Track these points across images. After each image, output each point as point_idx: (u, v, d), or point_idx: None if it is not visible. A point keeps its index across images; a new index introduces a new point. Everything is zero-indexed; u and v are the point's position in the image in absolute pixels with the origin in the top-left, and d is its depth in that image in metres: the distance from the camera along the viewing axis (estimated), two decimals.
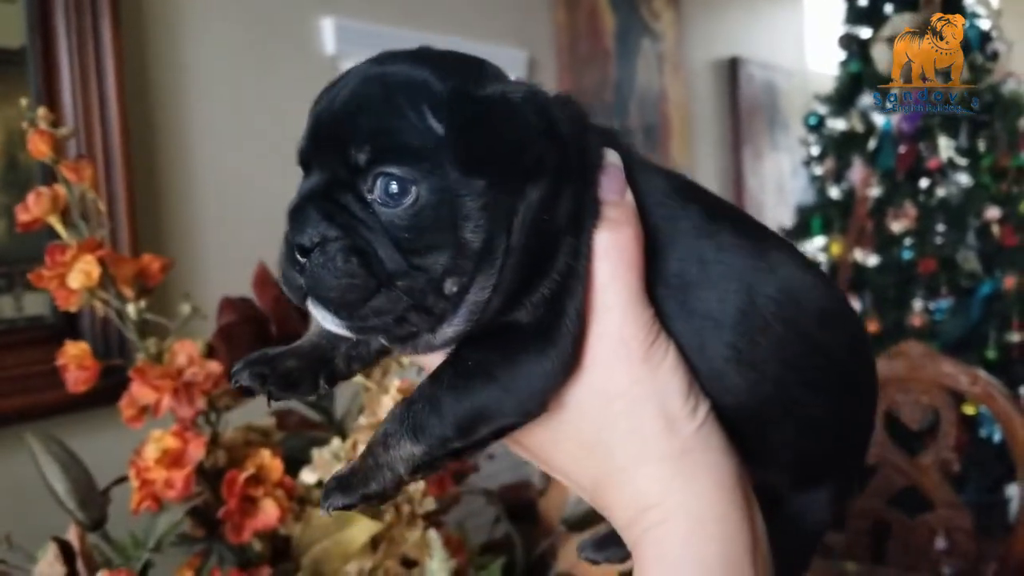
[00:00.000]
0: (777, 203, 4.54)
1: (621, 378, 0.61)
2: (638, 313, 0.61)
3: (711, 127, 4.19)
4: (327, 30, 2.29)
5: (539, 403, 0.60)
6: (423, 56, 0.61)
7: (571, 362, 0.60)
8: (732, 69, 4.28)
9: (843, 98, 3.70)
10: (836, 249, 3.67)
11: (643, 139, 3.62)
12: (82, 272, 1.04)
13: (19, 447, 1.12)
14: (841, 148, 3.69)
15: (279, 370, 0.66)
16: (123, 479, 1.12)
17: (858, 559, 2.25)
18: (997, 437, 3.09)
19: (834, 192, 3.74)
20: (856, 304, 3.53)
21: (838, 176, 3.72)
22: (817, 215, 3.75)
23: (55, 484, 1.08)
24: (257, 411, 1.09)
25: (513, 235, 0.58)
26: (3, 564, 1.04)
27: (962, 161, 3.42)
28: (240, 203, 2.00)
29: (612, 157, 0.63)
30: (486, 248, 0.57)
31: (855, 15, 3.69)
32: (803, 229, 3.81)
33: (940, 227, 3.42)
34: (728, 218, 0.66)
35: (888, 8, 3.54)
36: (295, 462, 1.16)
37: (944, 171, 3.45)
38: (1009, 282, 3.36)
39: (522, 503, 1.45)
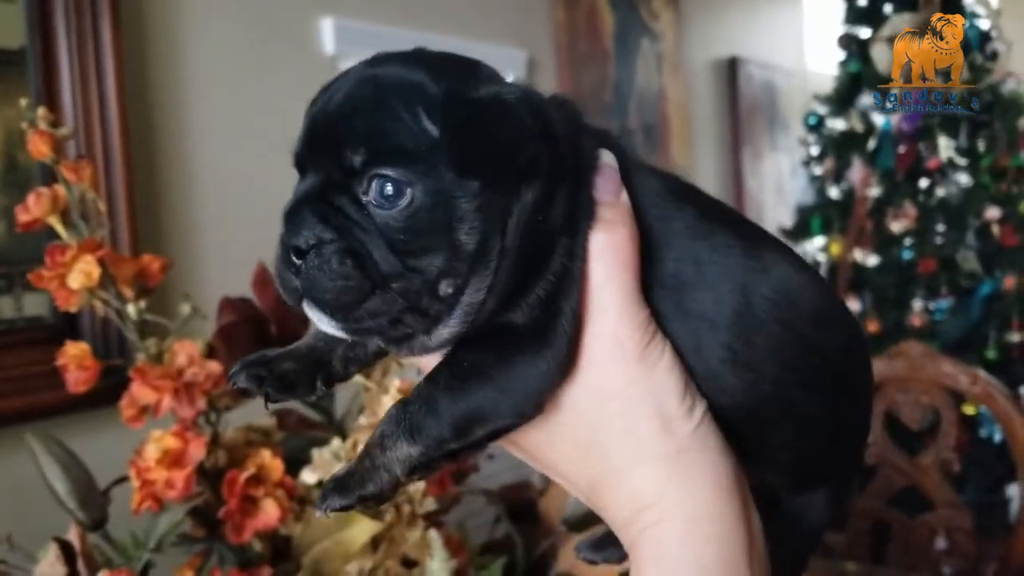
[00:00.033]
0: (777, 203, 4.54)
1: (617, 379, 0.61)
2: (634, 313, 0.61)
3: (710, 127, 4.19)
4: (327, 30, 2.29)
5: (535, 404, 0.60)
6: (418, 58, 0.61)
7: (567, 363, 0.60)
8: (731, 69, 4.28)
9: (843, 98, 3.71)
10: (836, 249, 3.67)
11: (642, 139, 3.62)
12: (82, 272, 1.04)
13: (19, 447, 1.12)
14: (841, 148, 3.69)
15: (276, 372, 0.67)
16: (124, 479, 1.12)
17: (858, 559, 2.25)
18: (997, 437, 3.09)
19: (834, 192, 3.74)
20: (856, 304, 3.53)
21: (838, 176, 3.72)
22: (817, 215, 3.76)
23: (56, 484, 1.08)
24: (257, 411, 1.09)
25: (508, 236, 0.58)
26: (4, 564, 1.04)
27: (962, 161, 3.42)
28: (240, 203, 2.00)
29: (607, 158, 0.63)
30: (481, 250, 0.57)
31: (854, 15, 3.69)
32: (803, 229, 3.81)
33: (940, 227, 3.43)
34: (723, 219, 0.66)
35: (887, 8, 3.54)
36: (295, 462, 1.16)
37: (944, 171, 3.45)
38: (1009, 282, 3.36)
39: (522, 503, 1.45)
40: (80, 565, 1.03)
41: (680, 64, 3.89)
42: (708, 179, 4.10)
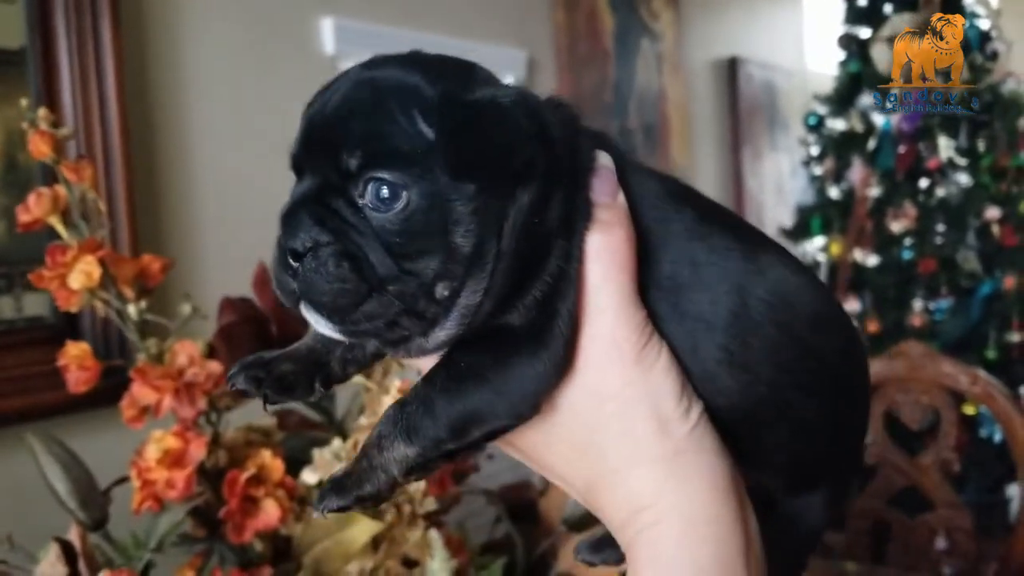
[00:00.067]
0: (777, 203, 4.54)
1: (613, 380, 0.61)
2: (630, 315, 0.61)
3: (710, 127, 4.19)
4: (327, 30, 2.29)
5: (531, 405, 0.60)
6: (414, 61, 0.61)
7: (563, 364, 0.60)
8: (731, 69, 4.28)
9: (842, 98, 3.71)
10: (836, 249, 3.67)
11: (642, 139, 3.62)
12: (83, 272, 1.04)
13: (20, 447, 1.12)
14: (841, 148, 3.69)
15: (275, 373, 0.67)
16: (124, 479, 1.12)
17: (858, 559, 2.25)
18: (997, 437, 3.09)
19: (834, 192, 3.74)
20: (856, 304, 3.53)
21: (838, 176, 3.72)
22: (817, 215, 3.76)
23: (56, 484, 1.08)
24: (258, 411, 1.09)
25: (504, 239, 0.58)
26: (5, 564, 1.04)
27: (962, 161, 3.42)
28: (240, 203, 2.00)
29: (604, 159, 0.63)
30: (477, 252, 0.58)
31: (854, 15, 3.69)
32: (803, 229, 3.81)
33: (940, 227, 3.43)
34: (720, 221, 0.66)
35: (887, 8, 3.54)
36: (296, 462, 1.16)
37: (944, 171, 3.46)
38: (1009, 282, 3.36)
39: (523, 503, 1.45)
40: (81, 565, 1.03)
41: (680, 64, 3.89)
42: (708, 179, 4.10)
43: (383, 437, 0.60)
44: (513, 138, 0.57)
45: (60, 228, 1.08)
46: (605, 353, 0.61)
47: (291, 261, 0.58)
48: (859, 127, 3.62)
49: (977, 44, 3.32)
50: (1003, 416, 2.16)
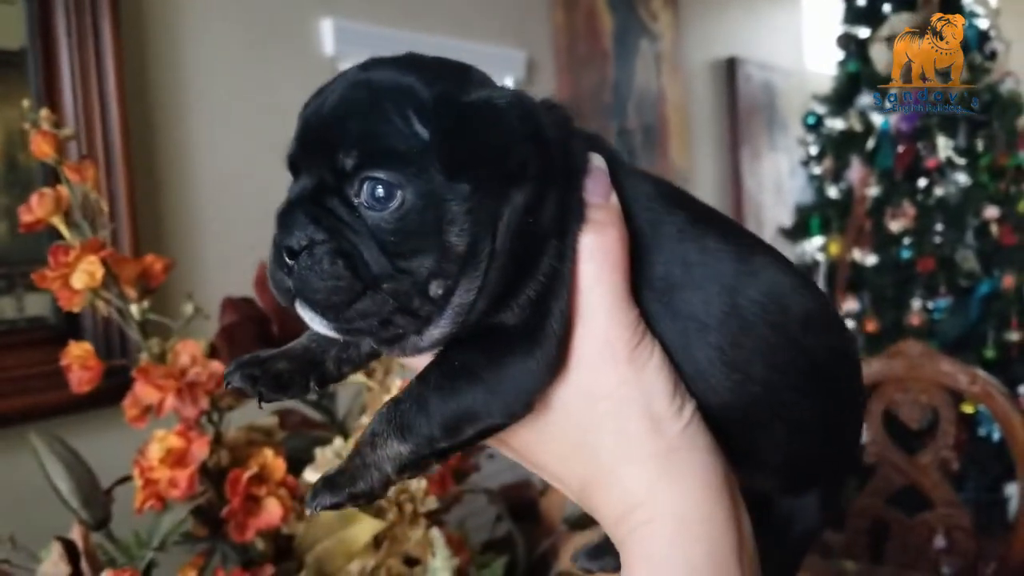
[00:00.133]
0: (776, 203, 4.55)
1: (606, 379, 0.61)
2: (623, 314, 0.61)
3: (709, 127, 4.19)
4: (327, 31, 2.29)
5: (524, 404, 0.61)
6: (410, 62, 0.62)
7: (556, 363, 0.61)
8: (730, 69, 4.28)
9: (841, 98, 3.71)
10: (835, 249, 3.67)
11: (641, 139, 3.63)
12: (85, 273, 1.04)
13: (22, 447, 1.12)
14: (839, 148, 3.70)
15: (270, 372, 0.67)
16: (127, 479, 1.12)
17: (857, 558, 2.26)
18: (996, 436, 3.10)
19: (832, 192, 3.74)
20: (855, 304, 3.54)
21: (836, 176, 3.72)
22: (816, 215, 3.76)
23: (59, 483, 1.09)
24: (260, 411, 1.10)
25: (498, 238, 0.59)
26: (7, 564, 1.04)
27: (960, 160, 3.43)
28: (241, 203, 2.00)
29: (597, 161, 0.63)
30: (471, 251, 0.58)
31: (853, 15, 3.70)
32: (802, 229, 3.82)
33: (939, 226, 3.43)
34: (712, 223, 0.66)
35: (886, 8, 3.54)
36: (298, 461, 1.16)
37: (942, 170, 3.46)
38: (1008, 281, 3.37)
39: (523, 502, 1.46)
40: (83, 564, 1.03)
41: (679, 65, 3.89)
42: (707, 179, 4.10)
43: (376, 435, 0.60)
44: (507, 139, 0.58)
45: (62, 228, 1.08)
46: (598, 352, 0.61)
47: (287, 259, 0.59)
48: (858, 127, 3.62)
49: (976, 44, 3.33)
50: (1002, 415, 2.16)
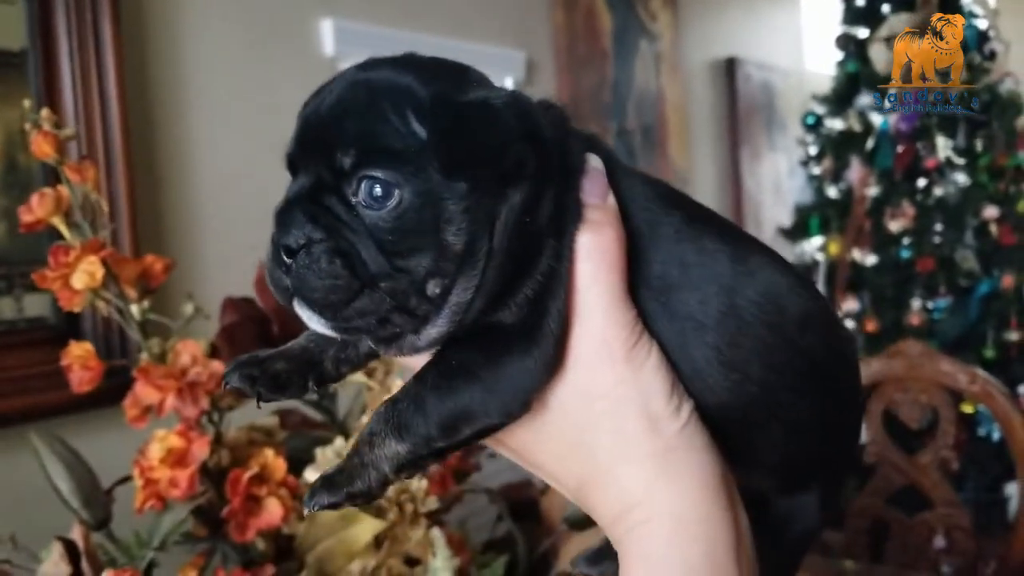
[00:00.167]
0: (775, 203, 4.55)
1: (604, 378, 0.61)
2: (620, 314, 0.61)
3: (709, 127, 4.19)
4: (326, 31, 2.29)
5: (522, 403, 0.61)
6: (408, 62, 0.62)
7: (553, 362, 0.61)
8: (729, 69, 4.28)
9: (841, 98, 3.71)
10: (834, 249, 3.68)
11: (641, 140, 3.63)
12: (86, 273, 1.04)
13: (23, 447, 1.12)
14: (839, 148, 3.70)
15: (269, 372, 0.67)
16: (127, 479, 1.12)
17: (857, 557, 2.26)
18: (996, 436, 3.10)
19: (832, 192, 3.75)
20: (855, 304, 3.54)
21: (836, 176, 3.73)
22: (815, 215, 3.76)
23: (59, 483, 1.09)
24: (260, 411, 1.10)
25: (495, 237, 0.59)
26: (7, 564, 1.04)
27: (960, 160, 3.43)
28: (241, 203, 2.00)
29: (594, 161, 0.64)
30: (468, 250, 0.58)
31: (852, 15, 3.70)
32: (801, 229, 3.82)
33: (938, 226, 3.43)
34: (710, 224, 0.66)
35: (885, 8, 3.55)
36: (298, 461, 1.16)
37: (942, 170, 3.46)
38: (1007, 281, 3.37)
39: (524, 502, 1.46)
40: (84, 564, 1.03)
41: (678, 65, 3.89)
42: (706, 179, 4.10)
43: (374, 434, 0.60)
44: (504, 138, 0.58)
45: (63, 228, 1.08)
46: (595, 351, 0.61)
47: (285, 257, 0.59)
48: (857, 127, 3.62)
49: (975, 44, 3.33)
50: (1001, 415, 2.16)
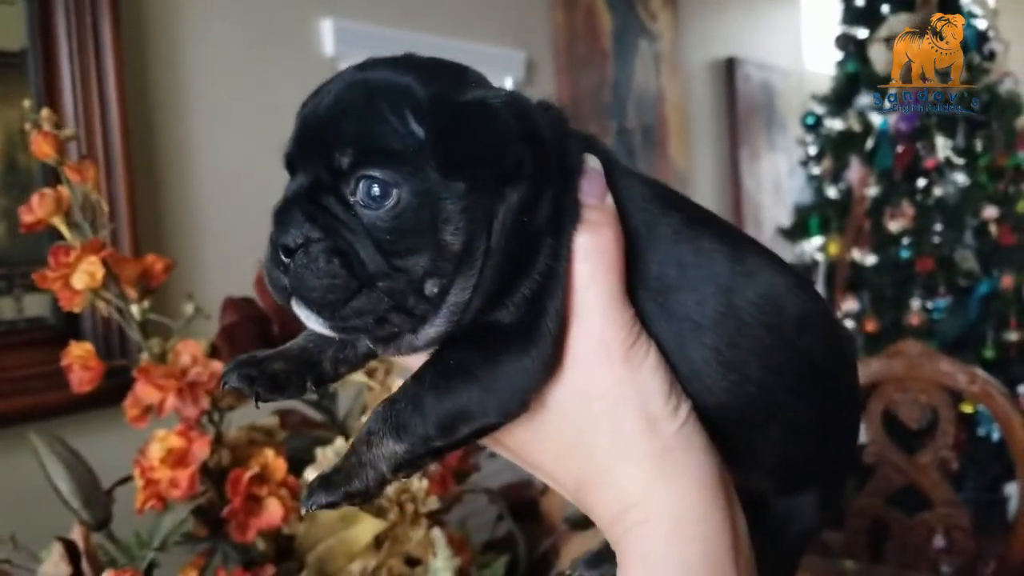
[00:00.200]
0: (775, 203, 4.55)
1: (602, 378, 0.61)
2: (618, 314, 0.61)
3: (708, 127, 4.20)
4: (326, 31, 2.29)
5: (520, 403, 0.61)
6: (407, 62, 0.62)
7: (552, 362, 0.61)
8: (729, 69, 4.28)
9: (840, 98, 3.72)
10: (834, 249, 3.68)
11: (641, 139, 3.63)
12: (86, 273, 1.04)
13: (23, 447, 1.12)
14: (838, 148, 3.70)
15: (267, 372, 0.67)
16: (127, 479, 1.12)
17: (856, 557, 2.26)
18: (995, 436, 3.10)
19: (832, 192, 3.75)
20: (854, 304, 3.54)
21: (836, 176, 3.73)
22: (815, 215, 3.77)
23: (59, 484, 1.09)
24: (260, 411, 1.10)
25: (493, 237, 0.59)
26: (8, 564, 1.04)
27: (959, 160, 3.43)
28: (241, 203, 2.00)
29: (593, 162, 0.64)
30: (466, 250, 0.58)
31: (852, 15, 3.70)
32: (801, 229, 3.82)
33: (938, 226, 3.43)
34: (708, 225, 0.66)
35: (885, 8, 3.55)
36: (299, 461, 1.16)
37: (941, 170, 3.46)
38: (1007, 281, 3.37)
39: (524, 502, 1.46)
40: (84, 565, 1.03)
41: (678, 65, 3.89)
42: (706, 179, 4.11)
43: (372, 434, 0.60)
44: (502, 138, 0.58)
45: (63, 229, 1.08)
46: (593, 352, 0.61)
47: (283, 257, 0.59)
48: (857, 127, 3.63)
49: (974, 44, 3.33)
50: (1001, 415, 2.17)
